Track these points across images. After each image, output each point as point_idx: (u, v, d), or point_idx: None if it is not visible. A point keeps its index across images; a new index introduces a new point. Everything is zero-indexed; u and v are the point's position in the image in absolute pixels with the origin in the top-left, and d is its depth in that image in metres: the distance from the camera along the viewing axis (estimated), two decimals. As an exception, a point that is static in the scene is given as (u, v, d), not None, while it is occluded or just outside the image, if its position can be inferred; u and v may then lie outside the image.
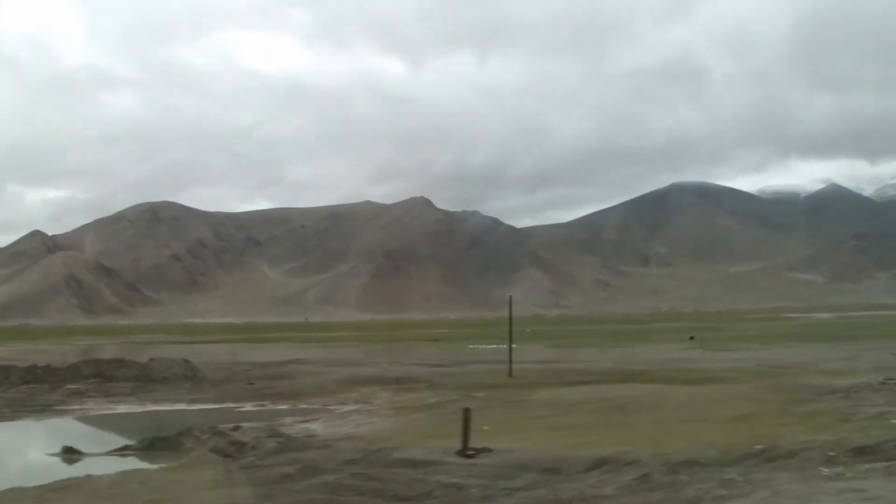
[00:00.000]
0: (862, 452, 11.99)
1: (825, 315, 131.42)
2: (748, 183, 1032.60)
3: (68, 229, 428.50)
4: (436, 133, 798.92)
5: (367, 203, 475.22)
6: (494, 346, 61.11)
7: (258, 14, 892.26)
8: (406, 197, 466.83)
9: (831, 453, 12.08)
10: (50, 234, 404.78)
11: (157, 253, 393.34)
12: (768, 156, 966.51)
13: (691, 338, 63.38)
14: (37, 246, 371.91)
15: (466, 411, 14.45)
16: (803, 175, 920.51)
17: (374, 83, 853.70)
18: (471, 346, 64.93)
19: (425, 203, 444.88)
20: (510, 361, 30.75)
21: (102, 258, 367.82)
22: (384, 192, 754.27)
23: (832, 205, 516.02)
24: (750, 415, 17.71)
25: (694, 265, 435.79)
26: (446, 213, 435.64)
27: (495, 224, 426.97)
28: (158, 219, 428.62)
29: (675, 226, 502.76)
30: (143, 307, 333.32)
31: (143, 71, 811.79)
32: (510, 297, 33.80)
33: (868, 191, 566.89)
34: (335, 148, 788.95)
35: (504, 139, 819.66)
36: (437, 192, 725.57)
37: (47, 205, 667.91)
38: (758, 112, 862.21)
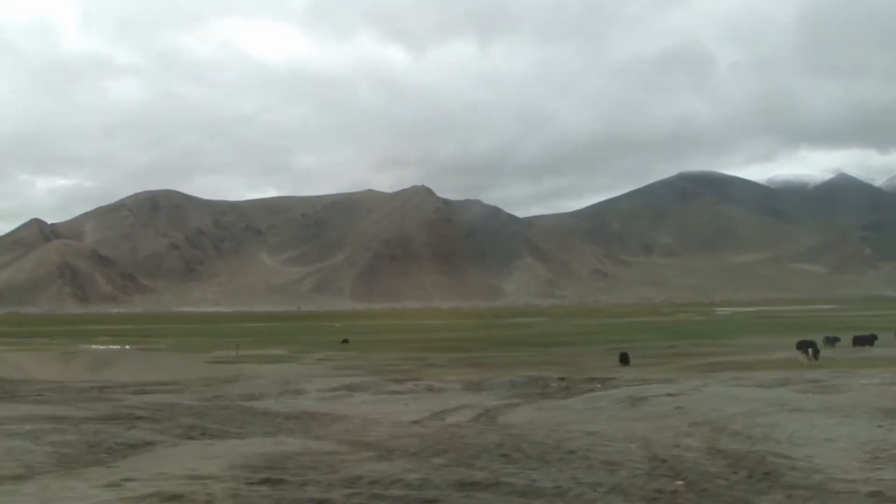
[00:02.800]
0: None
1: (741, 309, 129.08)
2: (757, 172, 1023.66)
3: (71, 218, 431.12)
4: (439, 121, 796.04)
5: (369, 192, 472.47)
6: (119, 346, 58.72)
7: (257, 1, 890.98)
8: (409, 185, 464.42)
9: None
10: (52, 222, 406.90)
11: (155, 241, 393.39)
12: (777, 145, 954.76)
13: (345, 341, 63.31)
14: (34, 234, 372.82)
15: None
16: (813, 165, 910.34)
17: (376, 72, 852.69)
18: (84, 346, 60.67)
19: (426, 192, 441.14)
20: None
21: (100, 247, 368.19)
22: (389, 181, 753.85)
23: (841, 195, 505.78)
24: None
25: (698, 255, 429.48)
26: (446, 201, 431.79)
27: (495, 213, 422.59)
28: (158, 207, 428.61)
29: (680, 215, 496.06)
30: (138, 295, 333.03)
31: (144, 59, 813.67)
32: None
33: (878, 181, 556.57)
34: (340, 136, 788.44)
35: (507, 128, 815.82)
36: (440, 180, 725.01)
37: (54, 193, 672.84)
38: (765, 100, 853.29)
